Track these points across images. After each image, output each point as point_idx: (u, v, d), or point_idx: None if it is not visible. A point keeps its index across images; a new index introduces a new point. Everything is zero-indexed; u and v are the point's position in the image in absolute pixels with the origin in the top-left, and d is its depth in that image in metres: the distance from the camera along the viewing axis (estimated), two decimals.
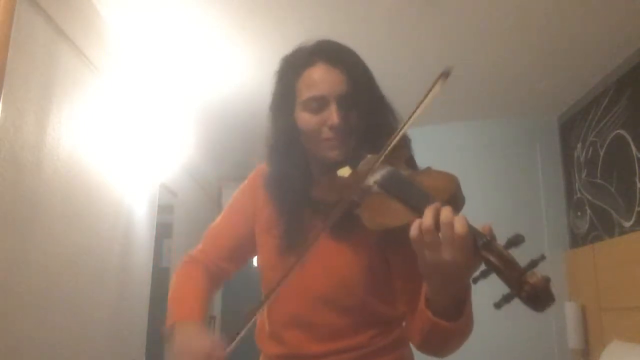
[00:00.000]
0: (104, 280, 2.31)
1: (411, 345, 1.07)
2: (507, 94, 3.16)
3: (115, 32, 2.37)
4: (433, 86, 0.84)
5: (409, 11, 2.26)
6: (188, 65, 2.75)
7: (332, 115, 0.98)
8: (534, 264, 0.69)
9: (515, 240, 0.71)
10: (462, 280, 0.77)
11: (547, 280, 0.68)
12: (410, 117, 0.88)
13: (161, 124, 3.02)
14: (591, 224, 3.00)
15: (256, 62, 2.68)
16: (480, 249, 0.71)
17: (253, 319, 0.96)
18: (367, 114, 0.99)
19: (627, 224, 2.61)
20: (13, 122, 1.60)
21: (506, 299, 0.71)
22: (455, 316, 0.81)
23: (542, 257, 0.69)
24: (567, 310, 2.99)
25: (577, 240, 3.18)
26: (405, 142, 1.01)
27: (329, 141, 1.00)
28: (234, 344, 0.94)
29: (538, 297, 0.68)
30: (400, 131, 0.90)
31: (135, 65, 2.63)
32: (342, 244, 1.00)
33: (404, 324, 1.06)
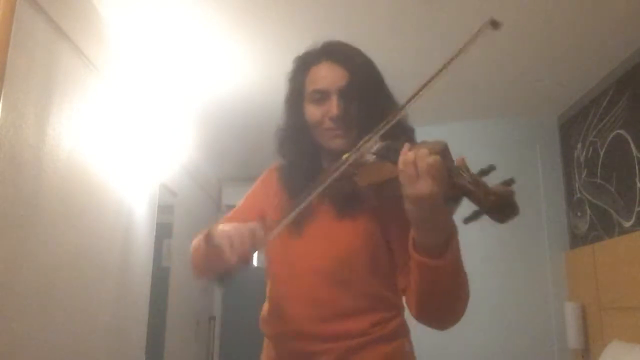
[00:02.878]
0: (104, 280, 2.32)
1: (412, 339, 1.11)
2: (507, 94, 3.16)
3: (115, 32, 2.37)
4: (478, 33, 0.88)
5: (409, 10, 2.26)
6: (188, 65, 2.75)
7: (332, 106, 1.07)
8: (506, 183, 0.75)
9: (487, 170, 0.77)
10: (442, 213, 0.82)
11: (511, 191, 0.74)
12: (436, 74, 0.93)
13: (161, 124, 3.03)
14: (591, 224, 3.00)
15: (256, 62, 2.68)
16: (452, 176, 0.78)
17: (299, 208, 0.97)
18: (368, 106, 1.06)
19: (627, 224, 2.61)
20: (13, 122, 1.60)
21: (475, 215, 0.76)
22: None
23: (493, 167, 0.76)
24: (567, 310, 2.99)
25: (577, 240, 3.18)
26: (408, 130, 1.08)
27: (330, 131, 1.08)
28: (271, 233, 0.97)
29: (502, 205, 0.74)
30: (410, 100, 0.94)
31: (135, 65, 2.64)
32: (345, 223, 1.07)
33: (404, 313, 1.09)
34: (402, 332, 1.10)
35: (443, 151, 0.81)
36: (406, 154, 0.81)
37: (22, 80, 1.65)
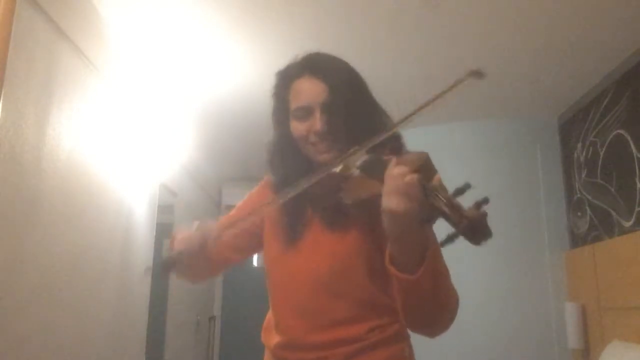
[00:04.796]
0: (104, 280, 2.31)
1: (412, 341, 1.12)
2: (507, 94, 3.16)
3: (115, 32, 2.37)
4: (459, 83, 0.89)
5: (409, 12, 2.26)
6: (188, 65, 2.75)
7: (316, 122, 1.06)
8: (477, 205, 0.76)
9: (462, 189, 0.78)
10: (416, 231, 0.84)
11: (483, 214, 0.75)
12: (417, 109, 0.93)
13: (161, 124, 3.03)
14: (591, 224, 3.00)
15: (256, 62, 2.68)
16: (428, 196, 0.79)
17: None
18: (353, 117, 1.06)
19: (627, 224, 2.61)
20: (13, 122, 1.60)
21: (450, 238, 0.77)
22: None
23: (468, 186, 0.77)
24: (567, 310, 2.99)
25: (577, 240, 3.18)
26: (394, 138, 1.07)
27: (315, 146, 1.08)
28: (222, 231, 1.05)
29: (475, 228, 0.75)
30: (397, 124, 0.97)
31: (135, 65, 2.64)
32: (339, 234, 1.08)
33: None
34: (401, 336, 1.09)
35: (423, 167, 0.82)
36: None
37: (22, 80, 1.65)
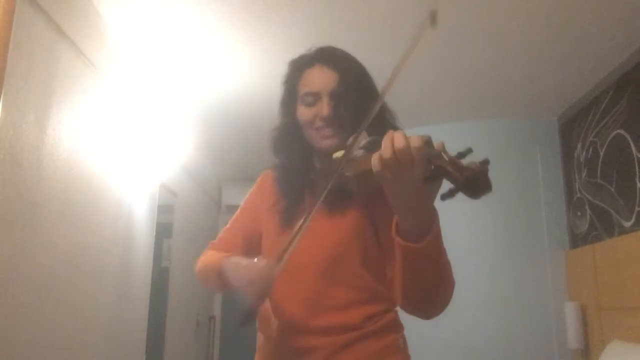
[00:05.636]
0: (104, 280, 2.32)
1: (405, 334, 1.14)
2: (507, 94, 3.16)
3: (115, 32, 2.37)
4: (420, 32, 0.92)
5: (408, 12, 2.26)
6: (188, 65, 2.75)
7: (323, 107, 1.11)
8: (479, 162, 0.79)
9: (464, 152, 0.81)
10: (423, 197, 0.85)
11: (484, 168, 0.78)
12: (397, 68, 0.98)
13: (161, 124, 3.02)
14: (591, 224, 3.00)
15: (256, 62, 2.69)
16: (432, 159, 0.81)
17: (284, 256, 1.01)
18: (358, 107, 1.08)
19: (627, 224, 2.61)
20: (13, 122, 1.60)
21: (451, 192, 0.80)
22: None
23: (470, 150, 0.81)
24: (567, 310, 2.99)
25: (577, 240, 3.18)
26: (396, 129, 1.08)
27: (320, 130, 1.12)
28: (281, 263, 1.00)
29: (476, 180, 0.77)
30: (386, 89, 0.99)
31: (135, 65, 2.64)
32: (335, 219, 1.11)
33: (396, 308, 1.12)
34: (396, 327, 1.12)
35: (426, 141, 0.83)
36: (388, 143, 0.83)
37: (22, 80, 1.65)
